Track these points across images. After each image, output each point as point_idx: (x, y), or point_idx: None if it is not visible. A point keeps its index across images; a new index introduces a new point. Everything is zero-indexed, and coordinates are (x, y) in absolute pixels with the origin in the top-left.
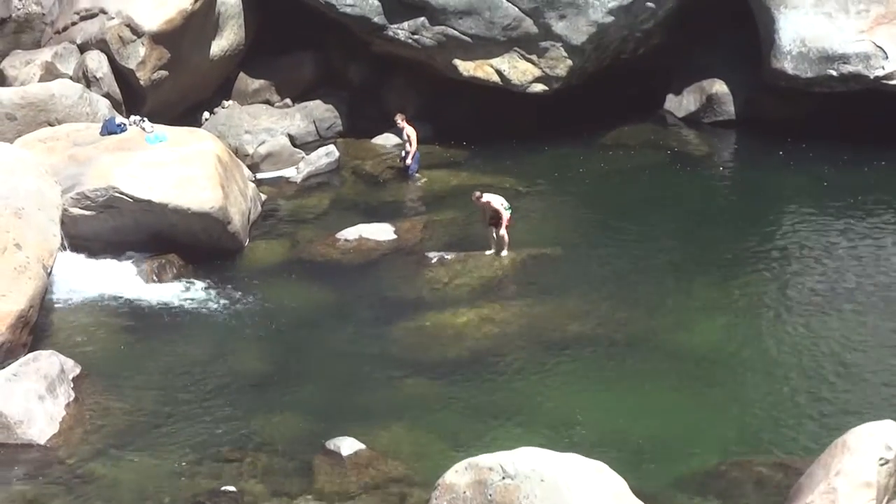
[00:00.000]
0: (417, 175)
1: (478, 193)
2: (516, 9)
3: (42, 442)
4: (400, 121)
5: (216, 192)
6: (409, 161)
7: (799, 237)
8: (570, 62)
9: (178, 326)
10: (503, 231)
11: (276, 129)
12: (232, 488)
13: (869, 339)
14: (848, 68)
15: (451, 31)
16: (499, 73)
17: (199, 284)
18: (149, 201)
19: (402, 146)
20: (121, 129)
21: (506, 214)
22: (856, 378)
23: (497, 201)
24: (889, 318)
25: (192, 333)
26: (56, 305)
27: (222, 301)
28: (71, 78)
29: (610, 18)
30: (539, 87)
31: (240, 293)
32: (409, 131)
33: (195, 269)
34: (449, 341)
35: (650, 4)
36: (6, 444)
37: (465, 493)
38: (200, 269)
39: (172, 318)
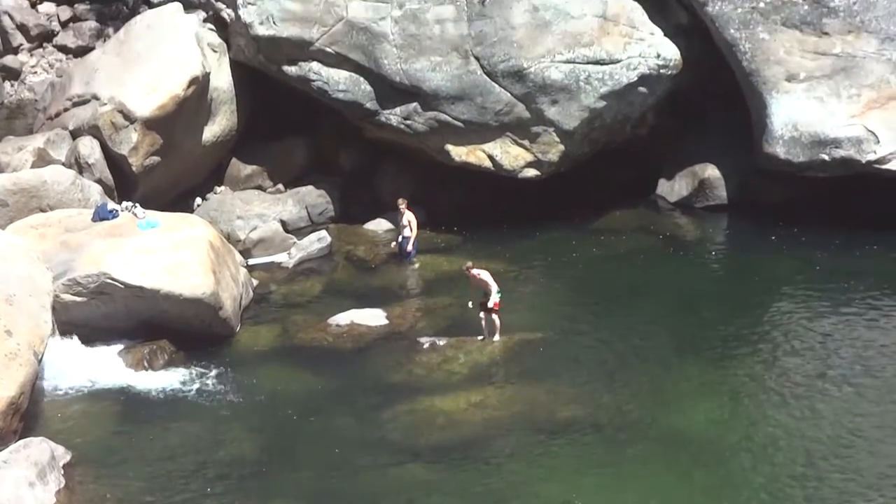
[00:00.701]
0: (413, 260)
1: (469, 264)
2: (508, 94)
3: None
4: (402, 206)
5: (208, 277)
6: (409, 247)
7: (792, 321)
8: (562, 147)
9: (170, 413)
10: (494, 316)
11: (268, 214)
12: None
13: (863, 423)
14: (840, 153)
15: (443, 116)
16: (491, 158)
17: (191, 371)
18: (140, 287)
19: (398, 231)
20: (113, 215)
21: (495, 298)
22: (849, 462)
23: (486, 276)
24: (883, 403)
25: (183, 420)
26: (47, 392)
27: (214, 387)
28: (63, 164)
29: (602, 104)
30: (531, 172)
31: (231, 379)
32: (410, 217)
33: (187, 356)
34: (441, 426)
35: (642, 90)
36: None
37: None
38: (192, 355)
39: (164, 405)
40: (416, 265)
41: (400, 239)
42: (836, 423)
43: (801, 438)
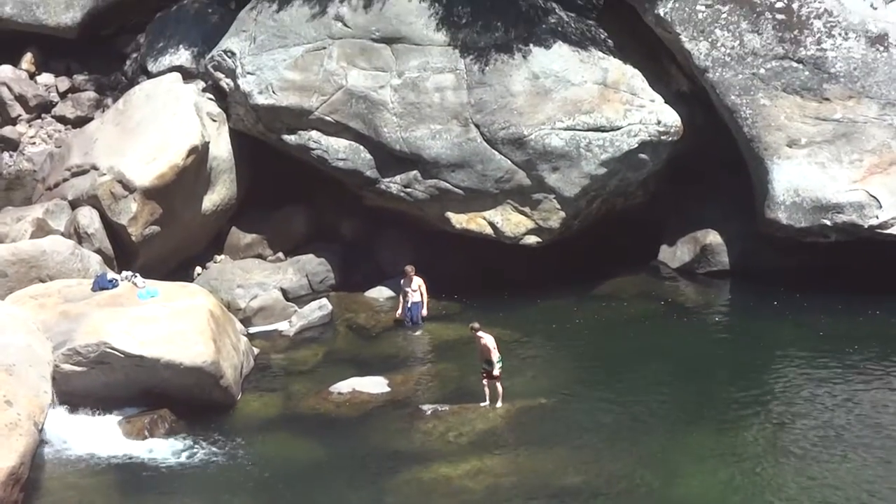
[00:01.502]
0: (420, 326)
1: (476, 325)
2: (509, 161)
3: None
4: (411, 272)
5: (208, 346)
6: (425, 312)
7: (795, 387)
8: (563, 214)
9: (171, 484)
10: (497, 382)
11: (269, 283)
12: None
13: (874, 488)
14: (842, 218)
15: (443, 184)
16: (492, 225)
17: (192, 440)
18: (141, 357)
19: (401, 298)
20: (112, 284)
21: (496, 367)
22: None
23: (491, 343)
24: (888, 466)
25: (184, 491)
26: (48, 462)
27: (215, 457)
28: (62, 234)
29: (603, 170)
30: (532, 239)
31: (233, 449)
32: (420, 282)
33: (187, 425)
34: (445, 495)
35: (643, 156)
36: None
37: None
38: (193, 425)
39: (164, 475)
40: (419, 332)
41: (409, 305)
42: (844, 489)
43: None
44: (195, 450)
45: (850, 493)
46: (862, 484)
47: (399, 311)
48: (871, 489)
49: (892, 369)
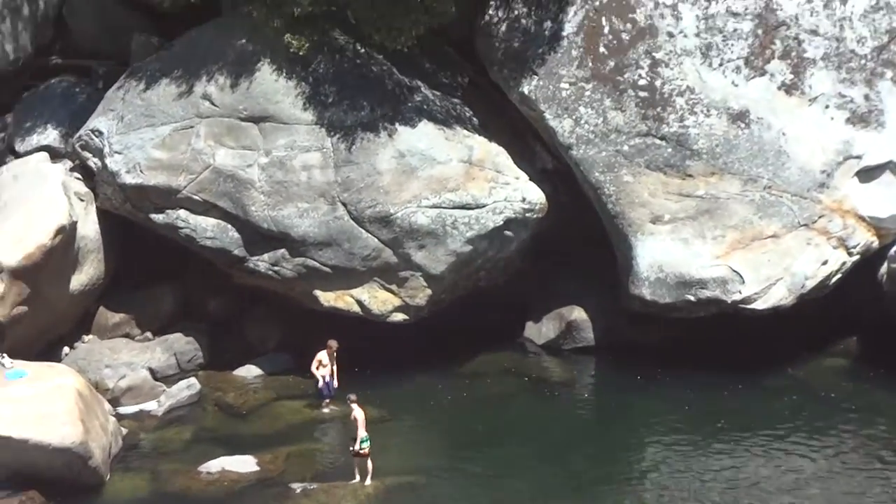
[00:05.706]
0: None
1: (353, 397)
2: (376, 239)
3: None
4: (335, 346)
5: (76, 427)
6: (335, 383)
7: (662, 463)
8: (429, 291)
9: None
10: (366, 460)
11: (137, 362)
12: None
13: None
14: (705, 293)
15: (311, 262)
16: (359, 303)
17: None
18: (8, 438)
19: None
20: None
21: (364, 446)
22: None
23: (359, 419)
24: None
25: None
26: None
27: None
28: None
29: (468, 248)
30: (399, 317)
31: None
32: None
33: None
34: None
35: (508, 233)
36: None
37: None
38: None
39: None
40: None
41: (328, 379)
42: None
43: None
44: None
45: None
46: None
47: (321, 383)
48: None
49: (759, 444)
